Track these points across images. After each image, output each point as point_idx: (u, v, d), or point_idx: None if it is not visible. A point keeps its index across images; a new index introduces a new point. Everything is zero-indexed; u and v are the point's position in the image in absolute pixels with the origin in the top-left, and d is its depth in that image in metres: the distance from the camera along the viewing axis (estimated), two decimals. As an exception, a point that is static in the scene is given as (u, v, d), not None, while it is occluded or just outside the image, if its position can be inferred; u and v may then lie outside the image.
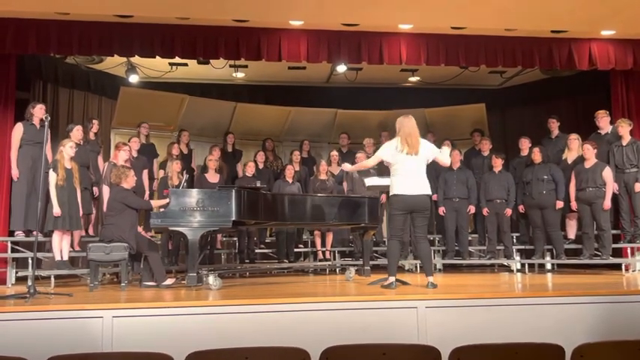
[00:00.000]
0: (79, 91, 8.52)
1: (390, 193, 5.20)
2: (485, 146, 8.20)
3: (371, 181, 6.35)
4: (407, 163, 5.05)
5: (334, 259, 8.02)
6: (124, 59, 7.94)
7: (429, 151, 5.17)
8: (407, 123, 5.13)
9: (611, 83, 7.90)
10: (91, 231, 7.07)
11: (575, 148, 7.29)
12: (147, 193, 7.29)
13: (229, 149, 8.76)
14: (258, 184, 6.52)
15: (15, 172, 6.36)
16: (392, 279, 5.03)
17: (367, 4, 6.22)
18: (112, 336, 3.75)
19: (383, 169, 7.81)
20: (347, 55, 7.02)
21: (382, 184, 6.42)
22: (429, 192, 5.19)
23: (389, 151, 5.15)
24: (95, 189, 6.93)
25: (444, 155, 5.36)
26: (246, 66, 8.49)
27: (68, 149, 6.07)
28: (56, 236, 5.96)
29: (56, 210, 5.85)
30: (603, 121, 7.38)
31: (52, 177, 5.91)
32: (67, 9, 6.17)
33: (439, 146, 7.64)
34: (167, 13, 6.31)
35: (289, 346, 2.61)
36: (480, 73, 8.58)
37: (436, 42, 7.09)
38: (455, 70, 8.48)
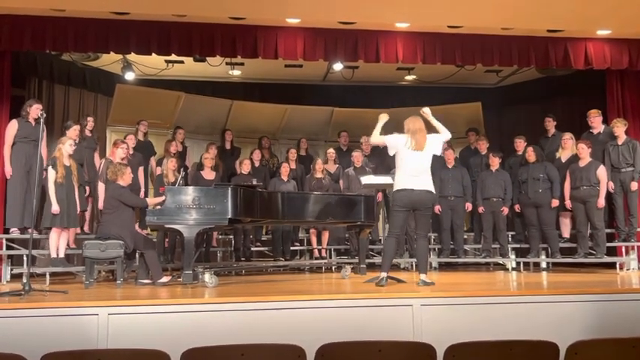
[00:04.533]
0: (75, 88, 8.48)
1: (394, 189, 5.18)
2: (483, 145, 8.22)
3: (367, 179, 6.37)
4: (412, 158, 5.07)
5: (330, 257, 8.02)
6: (120, 56, 7.91)
7: (434, 144, 5.17)
8: (415, 121, 5.16)
9: (606, 83, 7.92)
10: (86, 228, 7.06)
11: (569, 147, 7.32)
12: (142, 190, 7.27)
13: (227, 146, 8.75)
14: (255, 182, 6.52)
15: (8, 170, 6.34)
16: (383, 274, 5.05)
17: (364, 2, 6.22)
18: (107, 333, 3.74)
19: (378, 168, 7.86)
20: (343, 53, 7.02)
21: (378, 183, 6.45)
22: (432, 189, 5.16)
23: (396, 141, 5.16)
24: (87, 187, 6.90)
25: (436, 124, 5.26)
26: (242, 64, 8.47)
27: (67, 147, 6.06)
28: (54, 233, 5.95)
29: (55, 207, 5.83)
30: (596, 120, 7.40)
31: (51, 174, 5.89)
32: (62, 6, 6.15)
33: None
34: (163, 10, 6.30)
35: (285, 343, 2.62)
36: (476, 71, 8.58)
37: (432, 41, 7.10)
38: (451, 68, 8.48)
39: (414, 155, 5.07)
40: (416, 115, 5.25)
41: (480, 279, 6.21)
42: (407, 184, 5.05)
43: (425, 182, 5.09)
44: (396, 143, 5.17)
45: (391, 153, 5.22)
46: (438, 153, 5.28)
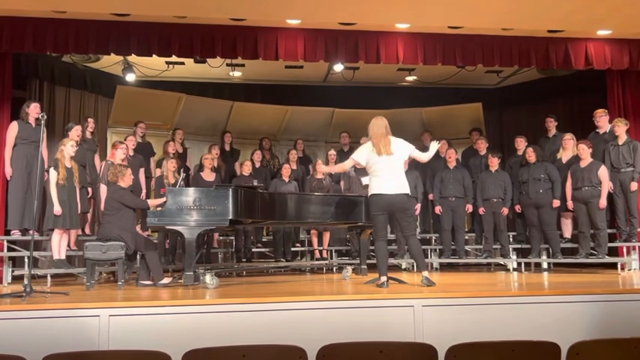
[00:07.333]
0: (76, 90, 8.50)
1: (369, 194, 5.26)
2: (482, 145, 8.22)
3: (368, 180, 6.36)
4: (382, 163, 5.13)
5: (331, 258, 8.03)
6: (121, 58, 7.92)
7: (403, 149, 5.21)
8: (376, 124, 5.22)
9: (607, 83, 7.91)
10: (87, 230, 7.06)
11: (570, 147, 7.33)
12: (144, 191, 7.28)
13: (227, 148, 8.76)
14: (255, 183, 6.52)
15: (8, 171, 6.35)
16: (384, 278, 5.07)
17: (364, 3, 6.22)
18: (108, 335, 3.75)
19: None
20: (344, 54, 7.03)
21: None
22: (407, 191, 5.21)
23: (362, 154, 5.27)
24: (89, 189, 6.90)
25: (429, 152, 5.33)
26: (243, 65, 8.48)
27: (69, 148, 6.06)
28: (56, 235, 5.95)
29: (57, 208, 5.84)
30: (602, 120, 7.38)
31: (53, 176, 5.90)
32: (63, 7, 6.17)
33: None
34: (164, 11, 6.31)
35: (286, 344, 2.62)
36: (477, 72, 8.59)
37: (433, 41, 7.10)
38: (452, 69, 8.49)
39: (383, 160, 5.12)
40: (379, 116, 5.31)
41: (481, 280, 6.20)
42: (381, 189, 5.12)
43: (399, 185, 5.14)
44: (362, 155, 5.26)
45: (364, 164, 5.28)
46: (406, 158, 5.33)
